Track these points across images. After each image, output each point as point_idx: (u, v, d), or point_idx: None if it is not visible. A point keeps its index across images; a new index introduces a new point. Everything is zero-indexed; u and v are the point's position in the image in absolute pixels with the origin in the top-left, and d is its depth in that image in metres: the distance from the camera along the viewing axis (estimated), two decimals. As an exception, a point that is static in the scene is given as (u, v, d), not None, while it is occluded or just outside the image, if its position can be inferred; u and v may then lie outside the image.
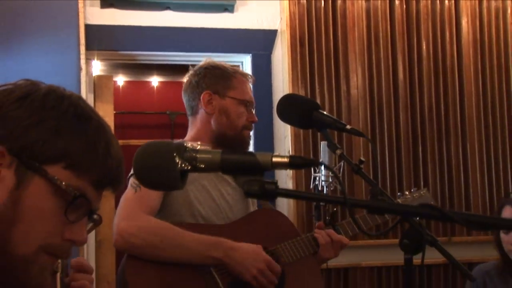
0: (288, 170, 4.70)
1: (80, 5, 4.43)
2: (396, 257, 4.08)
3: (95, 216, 1.47)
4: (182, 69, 3.93)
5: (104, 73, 5.56)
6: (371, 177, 2.26)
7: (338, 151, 2.02)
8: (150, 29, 4.80)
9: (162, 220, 2.75)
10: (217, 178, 3.03)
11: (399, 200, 3.17)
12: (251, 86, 3.14)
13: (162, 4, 4.76)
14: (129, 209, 2.74)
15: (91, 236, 4.63)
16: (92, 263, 4.58)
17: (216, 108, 3.01)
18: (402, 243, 2.16)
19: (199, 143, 1.62)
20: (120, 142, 6.15)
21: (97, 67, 5.22)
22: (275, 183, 1.41)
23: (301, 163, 1.45)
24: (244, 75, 3.15)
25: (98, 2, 4.68)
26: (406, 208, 1.78)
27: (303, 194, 2.00)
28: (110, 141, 1.45)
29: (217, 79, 3.06)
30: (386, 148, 5.00)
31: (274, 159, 1.40)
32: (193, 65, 3.15)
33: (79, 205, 1.39)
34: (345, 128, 1.86)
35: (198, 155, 1.36)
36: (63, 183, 1.35)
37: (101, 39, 4.70)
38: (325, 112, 2.01)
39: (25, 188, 1.34)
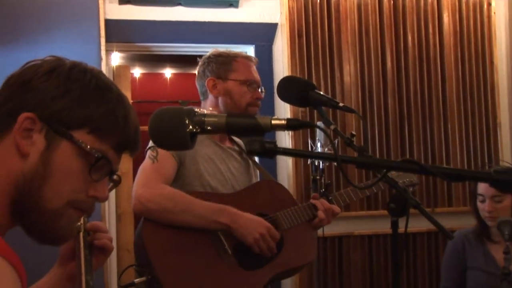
0: (289, 144, 4.72)
1: (100, 2, 4.44)
2: (385, 226, 4.09)
3: (115, 177, 1.49)
4: (192, 61, 3.95)
5: (122, 64, 5.56)
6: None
7: (332, 126, 2.02)
8: (163, 23, 4.80)
9: (174, 188, 2.78)
10: (224, 154, 3.06)
11: (389, 175, 3.16)
12: (255, 67, 3.12)
13: (174, 0, 4.76)
14: (146, 178, 2.77)
15: (112, 210, 4.66)
16: (113, 234, 4.62)
17: (220, 91, 3.04)
18: (389, 206, 2.17)
19: (210, 108, 1.63)
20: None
21: (116, 58, 5.24)
22: (274, 143, 1.42)
23: (297, 124, 1.46)
24: (246, 57, 3.15)
25: (117, 0, 4.68)
26: (389, 163, 1.78)
27: (298, 152, 2.02)
28: (128, 109, 1.46)
29: (219, 65, 3.08)
30: (376, 128, 5.01)
31: (273, 122, 1.42)
32: (200, 56, 3.18)
33: (101, 166, 1.40)
34: (338, 105, 1.86)
35: (206, 119, 1.37)
36: (88, 146, 1.37)
37: (119, 32, 4.71)
38: (320, 92, 2.01)
39: (54, 150, 1.35)
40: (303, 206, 3.02)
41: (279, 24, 4.93)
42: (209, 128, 1.36)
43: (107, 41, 4.49)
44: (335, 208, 3.04)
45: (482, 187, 3.76)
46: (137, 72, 8.40)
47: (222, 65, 3.07)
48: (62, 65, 1.42)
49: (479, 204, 3.84)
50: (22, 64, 1.44)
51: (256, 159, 3.35)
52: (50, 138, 1.35)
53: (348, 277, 4.94)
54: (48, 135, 1.35)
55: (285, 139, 4.73)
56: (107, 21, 4.52)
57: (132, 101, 5.54)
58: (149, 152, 2.83)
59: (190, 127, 1.36)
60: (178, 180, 2.87)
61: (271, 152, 1.38)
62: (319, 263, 4.67)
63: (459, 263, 3.94)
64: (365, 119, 4.95)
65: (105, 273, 4.23)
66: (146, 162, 2.81)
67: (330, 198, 3.09)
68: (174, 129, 1.38)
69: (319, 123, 3.64)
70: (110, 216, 4.55)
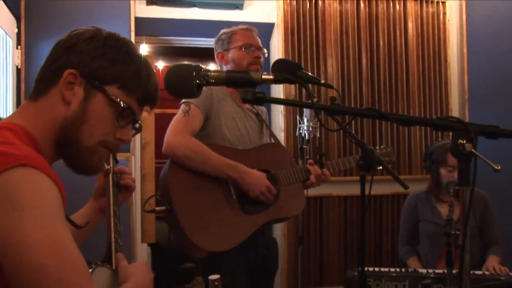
0: (281, 123, 4.73)
1: (132, 3, 4.43)
2: (357, 189, 4.11)
3: (137, 125, 1.54)
4: (206, 54, 3.94)
5: (148, 54, 5.57)
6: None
7: (315, 99, 2.05)
8: (181, 21, 4.81)
9: (198, 140, 2.80)
10: (244, 113, 3.09)
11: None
12: (253, 34, 3.14)
13: (190, 3, 4.77)
14: (177, 128, 2.81)
15: (138, 171, 4.66)
16: (138, 190, 4.63)
17: (227, 60, 3.09)
18: (358, 163, 2.20)
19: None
20: (159, 111, 6.16)
21: (144, 50, 5.24)
22: (263, 93, 1.45)
23: (282, 79, 1.50)
24: (244, 28, 3.16)
25: (144, 1, 4.69)
26: (354, 110, 1.80)
27: (282, 100, 2.03)
28: (150, 71, 1.51)
29: (223, 40, 3.14)
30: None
31: (263, 76, 1.46)
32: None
33: (126, 115, 1.45)
34: (320, 82, 1.87)
35: (209, 73, 1.40)
36: (117, 98, 1.41)
37: (146, 28, 4.70)
38: (306, 71, 2.03)
39: (91, 100, 1.41)
40: (299, 169, 3.06)
41: (276, 24, 4.93)
42: (212, 80, 1.40)
43: (136, 35, 4.49)
44: (326, 173, 3.10)
45: (452, 160, 3.79)
46: (161, 64, 8.33)
47: (225, 40, 3.11)
48: (100, 33, 1.46)
49: (444, 171, 3.85)
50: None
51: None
52: (88, 90, 1.40)
53: (326, 231, 4.96)
54: (86, 88, 1.40)
55: (278, 116, 4.75)
56: (136, 19, 4.51)
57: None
58: (182, 106, 2.87)
59: (197, 79, 1.40)
60: (203, 131, 2.91)
61: (261, 100, 1.42)
62: (304, 218, 4.70)
63: (413, 217, 3.98)
64: (342, 95, 4.99)
65: (131, 204, 4.28)
66: (179, 115, 2.85)
67: (322, 164, 3.14)
68: (184, 81, 1.42)
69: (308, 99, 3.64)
70: (136, 176, 4.56)
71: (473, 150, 1.14)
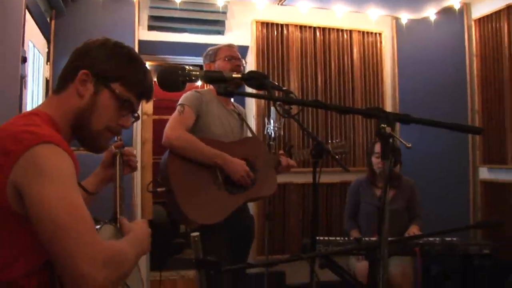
0: (253, 124, 4.74)
1: (136, 28, 4.43)
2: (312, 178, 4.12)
3: (136, 115, 1.56)
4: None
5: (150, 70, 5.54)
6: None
7: (278, 103, 2.08)
8: (175, 43, 4.80)
9: (191, 134, 2.84)
10: (228, 113, 3.12)
11: (329, 145, 3.24)
12: (234, 49, 3.17)
13: (182, 29, 4.76)
14: (174, 124, 2.86)
15: (138, 163, 4.61)
16: (139, 179, 4.61)
17: (215, 70, 3.09)
18: (311, 153, 2.24)
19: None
20: (156, 117, 6.11)
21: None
22: (232, 88, 1.48)
23: (248, 77, 1.53)
24: (227, 45, 3.20)
25: (146, 27, 4.67)
26: (302, 101, 1.83)
27: (248, 94, 2.05)
28: (147, 72, 1.54)
29: (210, 55, 3.17)
30: (310, 119, 5.07)
31: (233, 75, 1.48)
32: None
33: (127, 106, 1.49)
34: (282, 88, 1.90)
35: (191, 72, 1.43)
36: (119, 93, 1.45)
37: (147, 48, 4.70)
38: (271, 80, 2.05)
39: (99, 94, 1.44)
40: (272, 157, 3.12)
41: (250, 46, 4.94)
42: (193, 78, 1.43)
43: (139, 54, 4.47)
44: (293, 162, 3.16)
45: (378, 147, 3.87)
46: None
47: (212, 54, 3.15)
48: (108, 42, 1.50)
49: (374, 159, 3.94)
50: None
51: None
52: (97, 86, 1.44)
53: (288, 210, 4.98)
54: (96, 85, 1.44)
55: (251, 118, 4.76)
56: (140, 41, 4.51)
57: (154, 98, 5.49)
58: (178, 107, 2.94)
59: (181, 77, 1.43)
60: (195, 127, 2.95)
61: (231, 93, 1.45)
62: (270, 200, 4.73)
63: (355, 198, 4.05)
64: (303, 114, 4.98)
65: (133, 186, 4.26)
66: (175, 114, 2.91)
67: (291, 155, 3.20)
68: (172, 78, 1.45)
69: (272, 108, 3.67)
70: (138, 165, 4.54)
71: (391, 132, 1.18)
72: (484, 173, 4.81)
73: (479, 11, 4.82)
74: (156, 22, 4.68)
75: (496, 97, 4.59)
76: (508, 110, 4.43)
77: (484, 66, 4.74)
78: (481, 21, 4.77)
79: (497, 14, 4.57)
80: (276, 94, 2.05)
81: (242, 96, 2.31)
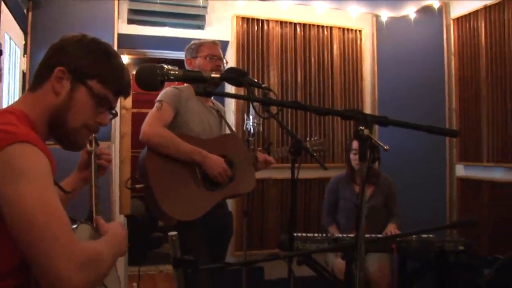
0: (232, 120, 4.73)
1: (115, 22, 4.36)
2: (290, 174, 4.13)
3: (113, 111, 1.53)
4: (174, 64, 3.91)
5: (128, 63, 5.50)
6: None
7: (255, 103, 2.08)
8: (155, 37, 4.75)
9: (169, 131, 2.81)
10: (207, 110, 3.10)
11: (307, 143, 3.25)
12: (217, 47, 3.14)
13: (162, 23, 4.72)
14: (152, 120, 2.82)
15: (117, 156, 4.59)
16: (117, 174, 4.57)
17: (194, 67, 3.09)
18: (290, 150, 2.24)
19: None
20: (135, 110, 6.06)
21: (125, 60, 5.17)
22: (211, 88, 1.47)
23: (226, 77, 1.52)
24: (210, 41, 3.16)
25: (126, 21, 4.63)
26: (279, 102, 1.83)
27: (225, 94, 2.04)
28: (124, 69, 1.52)
29: (192, 49, 3.14)
30: (289, 114, 5.08)
31: (212, 75, 1.47)
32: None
33: (104, 103, 1.47)
34: (261, 86, 1.90)
35: (170, 72, 1.41)
36: (96, 90, 1.42)
37: (127, 42, 4.65)
38: (251, 76, 2.04)
39: (75, 91, 1.42)
40: (250, 154, 3.10)
41: (230, 41, 4.92)
42: (172, 77, 1.41)
43: (118, 48, 4.42)
44: (271, 159, 3.16)
45: (356, 144, 3.90)
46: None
47: (194, 49, 3.12)
48: (85, 38, 1.47)
49: (352, 156, 3.96)
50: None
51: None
52: (73, 83, 1.41)
53: (267, 206, 4.99)
54: (72, 82, 1.41)
55: (230, 114, 4.75)
56: (119, 35, 4.44)
57: (133, 92, 5.45)
58: (156, 103, 2.90)
59: (159, 76, 1.41)
60: (174, 123, 2.92)
61: (209, 93, 1.43)
62: (249, 195, 4.72)
63: (334, 195, 4.07)
64: (282, 111, 4.96)
65: (111, 182, 4.22)
66: (154, 110, 2.88)
67: (270, 152, 3.19)
68: (150, 77, 1.43)
69: (251, 107, 3.67)
70: (115, 160, 4.50)
71: (369, 134, 1.19)
72: (461, 170, 4.87)
73: (458, 11, 4.87)
74: (136, 16, 4.63)
75: (473, 96, 4.65)
76: (484, 109, 4.50)
77: (462, 65, 4.80)
78: (460, 20, 4.82)
79: (475, 14, 4.61)
80: (256, 91, 2.05)
81: (220, 96, 2.30)
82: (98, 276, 1.20)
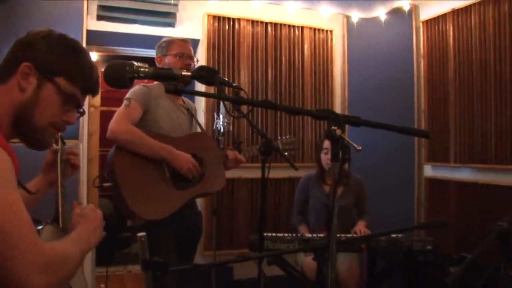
0: (202, 119, 4.70)
1: (84, 18, 4.27)
2: (261, 173, 4.14)
3: (81, 110, 1.49)
4: (146, 62, 3.85)
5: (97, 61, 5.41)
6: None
7: (226, 102, 2.07)
8: (125, 34, 4.68)
9: (138, 128, 2.79)
10: (177, 108, 3.07)
11: (278, 142, 3.24)
12: (188, 45, 3.12)
13: (133, 20, 4.64)
14: (119, 118, 2.78)
15: (85, 155, 4.51)
16: (85, 173, 4.49)
17: (164, 64, 3.07)
18: (261, 150, 2.23)
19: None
20: (104, 108, 5.97)
21: (94, 57, 5.09)
22: (183, 86, 1.45)
23: (197, 75, 1.50)
24: (180, 39, 3.15)
25: (95, 17, 4.54)
26: (250, 101, 1.82)
27: (196, 92, 2.03)
28: (93, 66, 1.49)
29: (162, 47, 3.13)
30: (259, 113, 5.07)
31: (183, 73, 1.45)
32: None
33: (71, 101, 1.43)
34: (232, 84, 1.89)
35: (140, 69, 1.39)
36: (64, 87, 1.38)
37: (96, 39, 4.56)
38: (221, 75, 2.03)
39: (42, 88, 1.38)
40: (220, 153, 3.08)
41: (201, 40, 4.88)
42: (142, 75, 1.39)
43: (87, 44, 4.35)
44: (241, 158, 3.14)
45: (327, 144, 3.92)
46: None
47: (164, 47, 3.09)
48: (53, 33, 1.43)
49: (323, 155, 3.98)
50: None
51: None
52: (40, 80, 1.37)
53: (236, 206, 4.97)
54: (39, 78, 1.37)
55: (200, 113, 4.72)
56: (88, 31, 4.36)
57: (103, 90, 5.37)
58: (124, 101, 2.86)
59: (129, 74, 1.39)
60: (143, 121, 2.89)
61: (180, 91, 1.41)
62: (218, 195, 4.70)
63: (304, 194, 4.08)
64: (252, 111, 4.92)
65: (79, 181, 4.15)
66: (121, 108, 2.84)
67: (240, 150, 3.17)
68: (119, 74, 1.40)
69: (222, 104, 3.65)
70: (83, 159, 4.43)
71: (341, 134, 1.19)
72: (429, 171, 4.95)
73: (427, 13, 4.94)
74: (106, 12, 4.55)
75: (441, 98, 4.73)
76: (452, 110, 4.58)
77: (431, 67, 4.87)
78: (429, 23, 4.90)
79: (443, 17, 4.69)
80: (226, 90, 2.03)
81: (191, 94, 2.29)
82: (63, 277, 1.18)
